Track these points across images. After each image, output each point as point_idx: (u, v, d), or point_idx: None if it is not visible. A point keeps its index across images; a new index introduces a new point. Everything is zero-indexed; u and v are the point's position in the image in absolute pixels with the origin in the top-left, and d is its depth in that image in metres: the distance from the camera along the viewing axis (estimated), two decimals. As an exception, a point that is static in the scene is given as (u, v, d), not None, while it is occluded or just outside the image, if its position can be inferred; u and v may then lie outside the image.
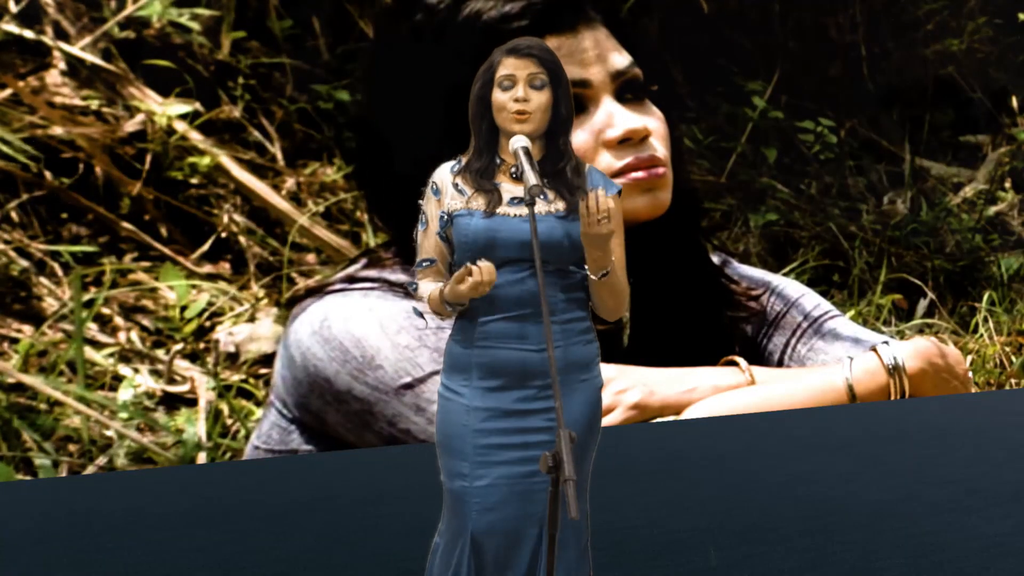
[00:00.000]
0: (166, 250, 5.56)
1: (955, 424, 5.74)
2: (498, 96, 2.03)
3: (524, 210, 2.00)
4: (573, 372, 2.03)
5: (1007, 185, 7.85)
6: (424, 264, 2.05)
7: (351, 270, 5.92)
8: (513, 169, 2.05)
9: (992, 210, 7.79)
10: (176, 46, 5.55)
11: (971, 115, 7.69)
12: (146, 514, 3.96)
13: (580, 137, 6.01)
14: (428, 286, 2.04)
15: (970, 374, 7.73)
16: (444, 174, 2.08)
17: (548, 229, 2.00)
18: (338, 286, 5.85)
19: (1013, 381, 7.84)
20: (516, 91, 2.01)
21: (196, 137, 5.61)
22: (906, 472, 4.32)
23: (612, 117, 6.13)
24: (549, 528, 1.88)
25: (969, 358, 7.66)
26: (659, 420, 6.08)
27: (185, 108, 5.56)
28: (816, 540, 3.16)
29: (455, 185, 2.05)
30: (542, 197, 1.97)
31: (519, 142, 1.98)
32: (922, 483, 4.06)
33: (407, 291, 6.21)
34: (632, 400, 6.32)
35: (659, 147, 6.23)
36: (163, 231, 5.56)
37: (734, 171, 6.91)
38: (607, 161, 6.12)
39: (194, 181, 5.61)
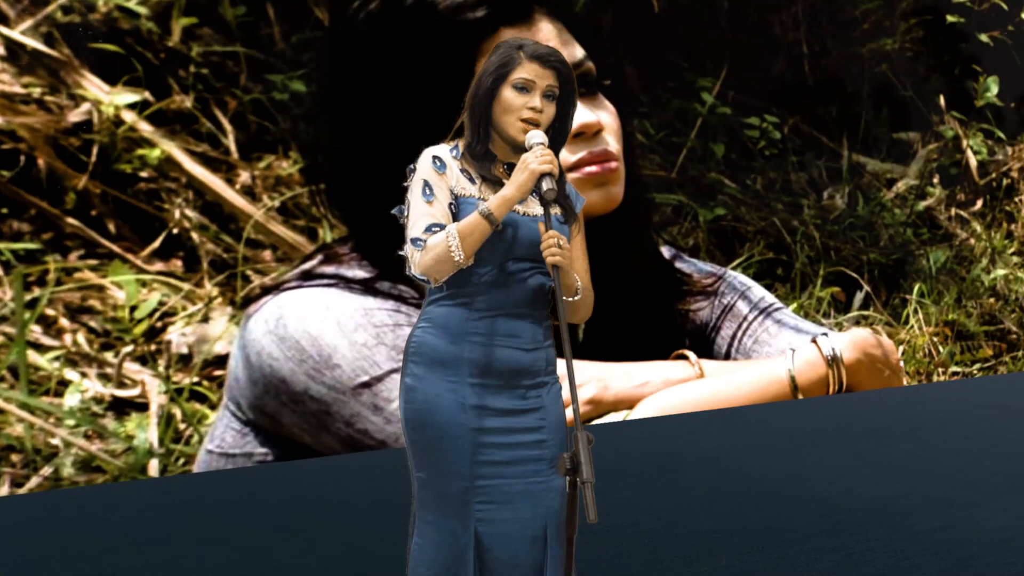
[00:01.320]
0: (114, 247, 5.28)
1: (925, 416, 5.88)
2: (511, 97, 1.98)
3: (531, 208, 1.99)
4: (552, 372, 2.04)
5: (935, 181, 8.13)
6: (434, 228, 1.93)
7: (307, 266, 5.74)
8: (505, 166, 2.03)
9: (922, 205, 8.05)
10: (124, 31, 5.27)
11: (903, 113, 7.92)
12: (99, 531, 3.74)
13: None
14: (446, 231, 1.91)
15: (902, 364, 8.00)
16: (446, 154, 2.01)
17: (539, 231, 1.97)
18: (294, 283, 5.67)
19: (940, 370, 8.13)
20: (533, 100, 1.97)
21: (145, 128, 5.33)
22: (896, 467, 4.38)
23: (566, 111, 6.11)
24: (567, 531, 1.86)
25: (901, 348, 7.92)
26: (645, 417, 6.10)
27: (134, 97, 5.28)
28: (840, 540, 3.19)
29: (462, 170, 2.00)
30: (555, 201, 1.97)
31: (536, 138, 1.95)
32: (916, 478, 4.12)
33: (364, 287, 6.10)
34: (587, 395, 6.33)
35: (611, 142, 6.24)
36: (111, 227, 5.27)
37: (684, 166, 6.95)
38: (561, 155, 6.10)
39: (143, 174, 5.34)
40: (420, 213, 1.96)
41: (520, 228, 1.98)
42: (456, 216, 1.97)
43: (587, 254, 2.15)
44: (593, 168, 6.17)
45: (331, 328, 5.60)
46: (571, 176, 6.10)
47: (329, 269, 5.75)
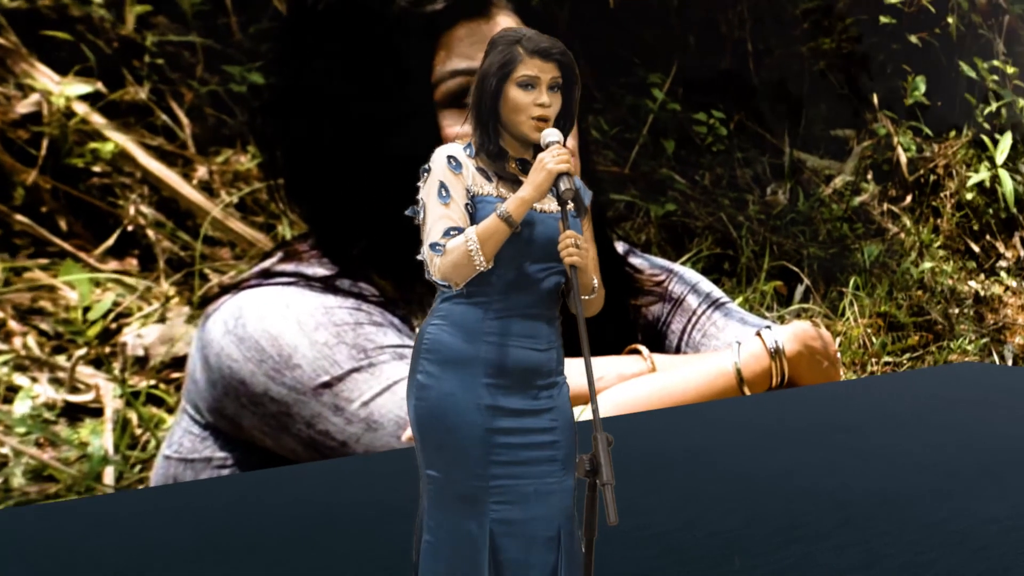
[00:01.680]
0: (66, 245, 5.03)
1: (881, 408, 6.03)
2: (518, 96, 1.97)
3: (546, 205, 1.98)
4: (562, 371, 2.06)
5: (869, 177, 8.37)
6: (452, 232, 1.92)
7: (266, 264, 5.59)
8: (518, 163, 2.02)
9: (857, 200, 8.28)
10: (75, 19, 5.01)
11: (840, 110, 8.13)
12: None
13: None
14: (465, 235, 1.90)
15: (839, 355, 8.24)
16: (461, 153, 1.99)
17: (558, 229, 1.96)
18: (253, 282, 5.51)
19: (874, 360, 8.39)
20: (540, 96, 1.96)
21: (98, 120, 5.08)
22: (879, 459, 4.47)
23: (524, 106, 6.08)
24: (586, 533, 1.86)
25: (838, 339, 8.15)
26: (603, 413, 6.10)
27: (85, 88, 5.03)
28: (856, 535, 3.24)
29: (479, 169, 1.99)
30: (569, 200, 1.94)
31: (551, 136, 1.94)
32: (902, 469, 4.22)
33: (325, 285, 5.96)
34: (545, 392, 6.34)
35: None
36: (62, 224, 5.02)
37: (636, 162, 6.99)
38: (519, 151, 6.08)
39: (97, 169, 5.09)
40: (437, 216, 1.94)
41: (537, 226, 1.97)
42: (473, 216, 1.96)
43: (595, 246, 2.14)
44: (550, 164, 6.18)
45: (291, 328, 5.47)
46: (528, 172, 6.09)
47: (289, 267, 5.60)
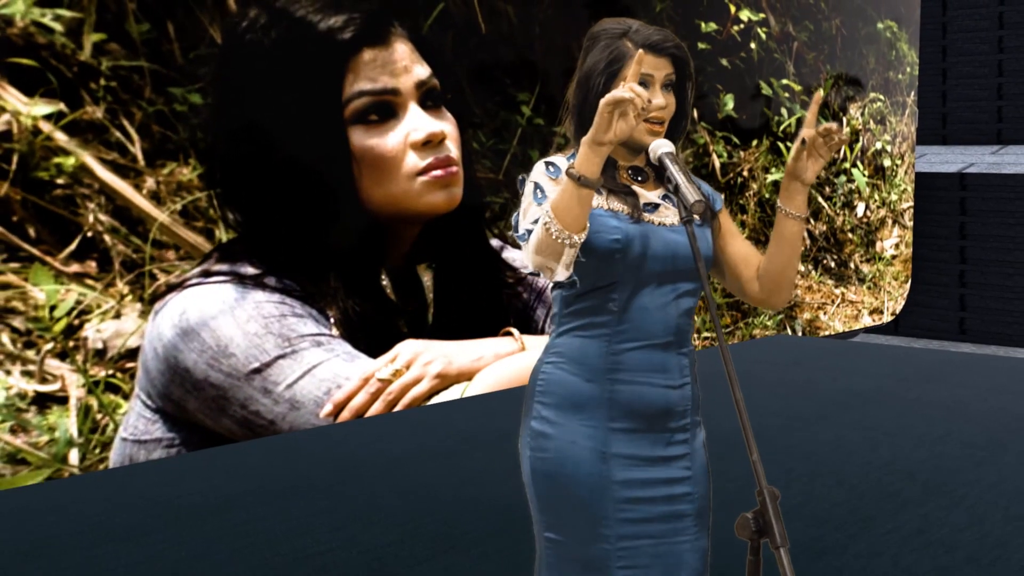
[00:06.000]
0: (35, 251, 5.58)
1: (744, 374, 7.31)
2: None
3: (666, 217, 1.80)
4: (698, 411, 1.86)
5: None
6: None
7: (205, 265, 6.28)
8: (630, 171, 1.84)
9: (682, 200, 9.71)
10: (40, 46, 5.55)
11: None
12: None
13: (394, 139, 6.88)
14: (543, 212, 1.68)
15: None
16: (562, 162, 1.81)
17: (684, 241, 1.78)
18: (194, 280, 6.19)
19: (696, 335, 9.92)
20: (654, 96, 1.76)
21: (61, 137, 5.65)
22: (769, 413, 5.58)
23: (417, 122, 7.03)
24: None
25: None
26: (484, 387, 7.14)
27: (50, 108, 5.58)
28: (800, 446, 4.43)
29: None
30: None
31: (663, 147, 1.75)
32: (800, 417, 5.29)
33: (255, 282, 6.75)
34: (436, 370, 7.33)
35: (453, 149, 7.23)
36: (31, 232, 5.56)
37: (509, 169, 8.08)
38: (413, 160, 7.01)
39: (60, 181, 5.66)
40: (525, 211, 1.80)
41: (657, 241, 1.77)
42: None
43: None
44: (439, 172, 7.11)
45: (227, 321, 6.20)
46: (420, 180, 7.03)
47: (224, 267, 6.31)
